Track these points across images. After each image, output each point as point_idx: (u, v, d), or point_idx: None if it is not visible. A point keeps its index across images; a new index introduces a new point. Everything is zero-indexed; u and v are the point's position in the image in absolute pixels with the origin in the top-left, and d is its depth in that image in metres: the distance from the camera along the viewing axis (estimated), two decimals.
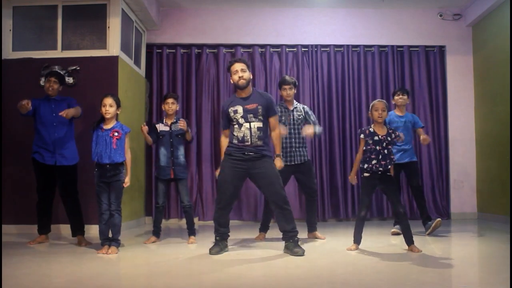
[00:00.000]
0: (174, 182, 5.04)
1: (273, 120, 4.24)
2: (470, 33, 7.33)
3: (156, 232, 4.93)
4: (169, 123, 4.93)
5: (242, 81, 4.11)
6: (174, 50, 7.25)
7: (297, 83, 5.27)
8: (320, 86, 7.25)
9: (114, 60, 5.79)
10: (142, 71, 6.95)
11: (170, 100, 4.94)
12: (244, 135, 4.09)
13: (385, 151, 4.21)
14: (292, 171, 4.99)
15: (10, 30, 5.88)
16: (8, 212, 5.44)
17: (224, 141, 4.29)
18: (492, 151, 6.72)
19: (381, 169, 4.18)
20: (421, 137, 5.28)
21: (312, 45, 7.30)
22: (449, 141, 7.24)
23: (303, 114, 5.08)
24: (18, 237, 5.15)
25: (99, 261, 3.91)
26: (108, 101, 4.27)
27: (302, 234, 4.62)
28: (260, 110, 4.12)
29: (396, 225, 5.18)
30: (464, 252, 4.23)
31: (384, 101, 4.37)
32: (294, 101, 5.14)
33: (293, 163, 4.94)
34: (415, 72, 7.34)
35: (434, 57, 7.37)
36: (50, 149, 4.75)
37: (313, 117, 5.16)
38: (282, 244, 4.18)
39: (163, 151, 4.88)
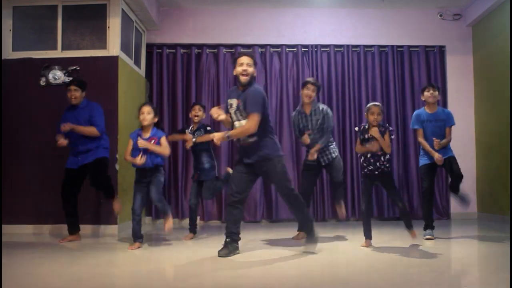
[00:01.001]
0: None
1: (249, 118, 3.84)
2: (470, 33, 7.33)
3: (192, 229, 5.13)
4: (193, 131, 5.09)
5: (244, 77, 3.89)
6: (174, 50, 7.24)
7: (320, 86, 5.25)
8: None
9: (114, 60, 5.78)
10: (142, 71, 6.94)
11: (197, 107, 5.09)
12: None
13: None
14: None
15: (10, 30, 5.88)
16: (8, 212, 5.44)
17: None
18: (492, 151, 6.72)
19: (371, 167, 4.33)
20: (435, 141, 4.76)
21: (312, 45, 7.29)
22: None
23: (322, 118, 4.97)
24: (18, 237, 5.15)
25: (99, 261, 3.91)
26: (146, 109, 4.46)
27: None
28: (241, 107, 3.89)
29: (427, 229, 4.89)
30: (464, 252, 4.23)
31: (380, 105, 4.46)
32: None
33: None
34: (415, 72, 7.34)
35: (434, 57, 7.37)
36: (77, 152, 4.89)
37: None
38: (281, 242, 4.18)
39: (192, 156, 5.15)
